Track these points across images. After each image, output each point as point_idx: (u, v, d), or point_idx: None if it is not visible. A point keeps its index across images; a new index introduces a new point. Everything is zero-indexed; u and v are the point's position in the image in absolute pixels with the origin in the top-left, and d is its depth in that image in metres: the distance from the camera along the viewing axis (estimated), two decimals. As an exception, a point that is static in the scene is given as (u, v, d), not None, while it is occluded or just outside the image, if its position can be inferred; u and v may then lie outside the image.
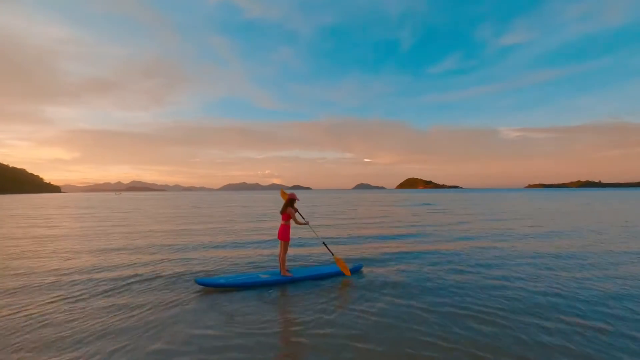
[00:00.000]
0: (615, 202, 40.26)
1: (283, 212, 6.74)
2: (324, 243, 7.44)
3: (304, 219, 6.91)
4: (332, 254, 7.32)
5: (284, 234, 6.61)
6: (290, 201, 6.76)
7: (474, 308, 5.13)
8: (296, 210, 6.86)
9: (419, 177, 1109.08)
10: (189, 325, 4.60)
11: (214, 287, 6.09)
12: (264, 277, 6.46)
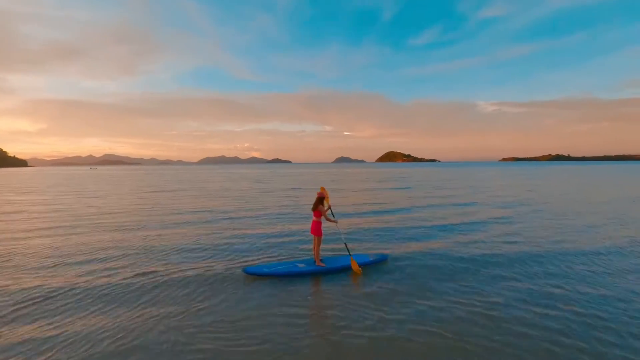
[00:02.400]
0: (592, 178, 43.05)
1: (315, 209, 7.52)
2: (345, 244, 8.07)
3: (333, 216, 8.06)
4: (350, 255, 7.81)
5: (316, 230, 7.48)
6: (320, 199, 7.54)
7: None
8: (329, 207, 7.83)
9: (398, 151, 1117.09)
10: (234, 309, 5.67)
11: (258, 275, 7.14)
12: (301, 266, 7.46)
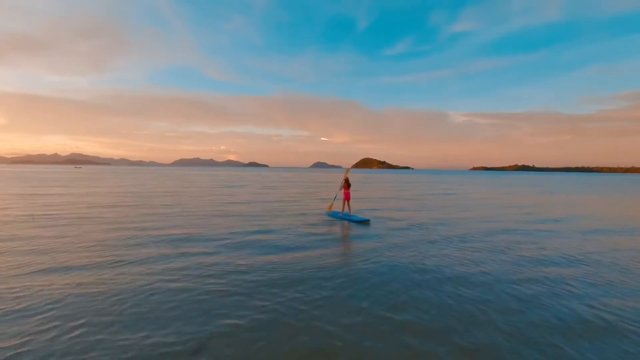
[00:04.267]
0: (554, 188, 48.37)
1: (346, 185, 13.29)
2: (335, 197, 14.40)
3: (338, 192, 14.08)
4: (331, 203, 14.05)
5: (347, 197, 13.47)
6: (347, 180, 13.38)
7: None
8: (344, 187, 12.99)
9: (374, 157, 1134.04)
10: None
11: (335, 218, 12.76)
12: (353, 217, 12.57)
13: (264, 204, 17.83)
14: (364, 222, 11.80)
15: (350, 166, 15.01)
